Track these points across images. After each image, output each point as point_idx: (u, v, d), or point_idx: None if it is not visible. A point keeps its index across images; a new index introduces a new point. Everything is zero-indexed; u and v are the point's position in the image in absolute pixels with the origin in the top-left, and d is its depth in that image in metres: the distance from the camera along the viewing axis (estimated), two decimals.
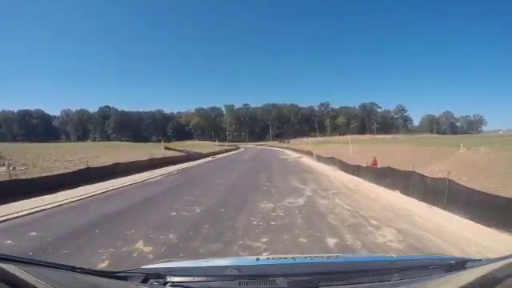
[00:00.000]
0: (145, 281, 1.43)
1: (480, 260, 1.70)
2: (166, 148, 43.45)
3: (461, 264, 1.62)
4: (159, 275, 1.46)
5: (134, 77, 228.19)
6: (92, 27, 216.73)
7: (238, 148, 79.56)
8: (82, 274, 1.26)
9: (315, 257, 1.92)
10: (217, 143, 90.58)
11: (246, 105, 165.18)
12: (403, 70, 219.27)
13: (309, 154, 38.22)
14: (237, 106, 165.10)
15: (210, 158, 37.09)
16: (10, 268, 0.90)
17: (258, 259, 1.89)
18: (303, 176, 18.54)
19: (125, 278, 1.43)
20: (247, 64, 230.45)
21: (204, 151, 45.15)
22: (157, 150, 38.26)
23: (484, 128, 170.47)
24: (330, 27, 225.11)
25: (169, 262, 1.89)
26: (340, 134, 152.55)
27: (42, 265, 1.16)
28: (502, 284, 1.01)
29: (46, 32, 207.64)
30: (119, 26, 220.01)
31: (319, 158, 30.55)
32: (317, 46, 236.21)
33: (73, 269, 1.26)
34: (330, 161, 25.39)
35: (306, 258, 1.85)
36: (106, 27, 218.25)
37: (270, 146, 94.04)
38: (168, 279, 1.42)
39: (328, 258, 1.92)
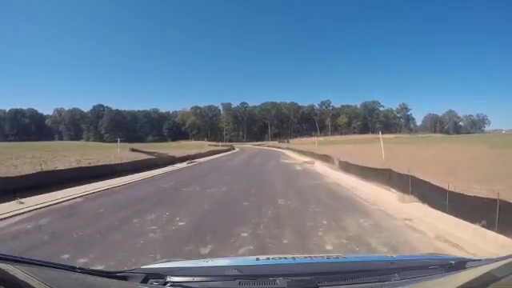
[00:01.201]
0: (145, 281, 1.37)
1: (480, 260, 1.62)
2: (133, 150, 31.89)
3: (461, 264, 1.56)
4: (159, 275, 1.40)
5: (129, 75, 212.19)
6: (86, 24, 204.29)
7: (233, 148, 67.87)
8: (81, 274, 1.22)
9: (315, 257, 1.86)
10: (210, 143, 79.28)
11: (243, 103, 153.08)
12: (405, 67, 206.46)
13: (324, 158, 26.35)
14: (234, 104, 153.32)
15: (183, 165, 25.23)
16: (9, 268, 0.86)
17: (257, 259, 1.80)
18: (358, 232, 6.54)
19: (125, 278, 1.37)
20: (246, 61, 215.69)
21: (186, 153, 33.67)
22: (124, 152, 26.93)
23: (487, 128, 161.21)
24: (329, 24, 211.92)
25: (169, 262, 1.81)
26: (341, 134, 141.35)
27: (42, 265, 1.10)
28: (501, 284, 0.98)
29: (40, 30, 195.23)
30: (114, 23, 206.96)
31: (347, 167, 18.59)
32: (317, 43, 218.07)
33: (72, 269, 1.22)
34: (379, 176, 13.49)
35: (305, 258, 1.80)
36: (100, 24, 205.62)
37: (269, 147, 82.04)
38: (168, 279, 1.36)
39: (328, 258, 1.84)
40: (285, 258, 1.75)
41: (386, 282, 1.38)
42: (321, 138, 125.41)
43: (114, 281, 1.30)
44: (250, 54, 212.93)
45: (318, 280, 1.33)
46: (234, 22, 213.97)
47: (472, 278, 1.08)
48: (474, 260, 1.63)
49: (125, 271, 1.44)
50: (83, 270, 1.23)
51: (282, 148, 65.13)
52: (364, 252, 4.94)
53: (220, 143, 79.68)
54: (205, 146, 72.96)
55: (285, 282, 1.29)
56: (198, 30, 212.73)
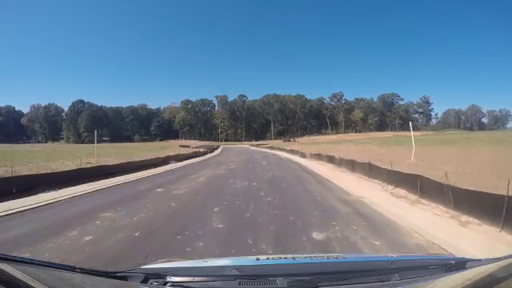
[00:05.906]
0: (145, 281, 1.32)
1: (480, 260, 1.55)
2: None
3: (461, 264, 1.49)
4: (159, 275, 1.35)
5: (115, 67, 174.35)
6: (67, 13, 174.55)
7: (215, 149, 38.59)
8: (81, 274, 1.18)
9: (315, 257, 1.76)
10: (181, 143, 50.69)
11: (242, 96, 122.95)
12: (422, 58, 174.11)
13: None
14: (231, 97, 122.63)
15: None
16: (9, 268, 0.82)
17: (258, 259, 1.68)
18: None
19: (125, 278, 1.33)
20: (244, 49, 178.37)
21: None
22: None
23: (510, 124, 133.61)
24: (339, 9, 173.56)
25: (169, 261, 1.71)
26: (356, 132, 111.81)
27: (42, 265, 1.07)
28: (502, 284, 0.95)
29: (19, 20, 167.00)
30: (97, 10, 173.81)
31: None
32: (326, 29, 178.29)
33: (72, 269, 1.18)
34: None
35: (306, 258, 1.69)
36: (83, 12, 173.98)
37: (271, 148, 51.43)
38: (168, 279, 1.31)
39: (328, 257, 1.75)
40: (285, 257, 1.66)
41: (385, 282, 1.32)
42: (334, 137, 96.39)
43: (114, 281, 1.25)
44: (249, 40, 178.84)
45: (318, 280, 1.27)
46: (230, 7, 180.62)
47: (472, 278, 1.03)
48: (474, 260, 1.55)
49: (125, 271, 1.36)
50: (83, 270, 1.18)
51: (293, 151, 35.54)
52: None
53: (192, 143, 50.85)
54: (174, 147, 44.40)
55: (285, 282, 1.23)
56: (190, 17, 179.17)
